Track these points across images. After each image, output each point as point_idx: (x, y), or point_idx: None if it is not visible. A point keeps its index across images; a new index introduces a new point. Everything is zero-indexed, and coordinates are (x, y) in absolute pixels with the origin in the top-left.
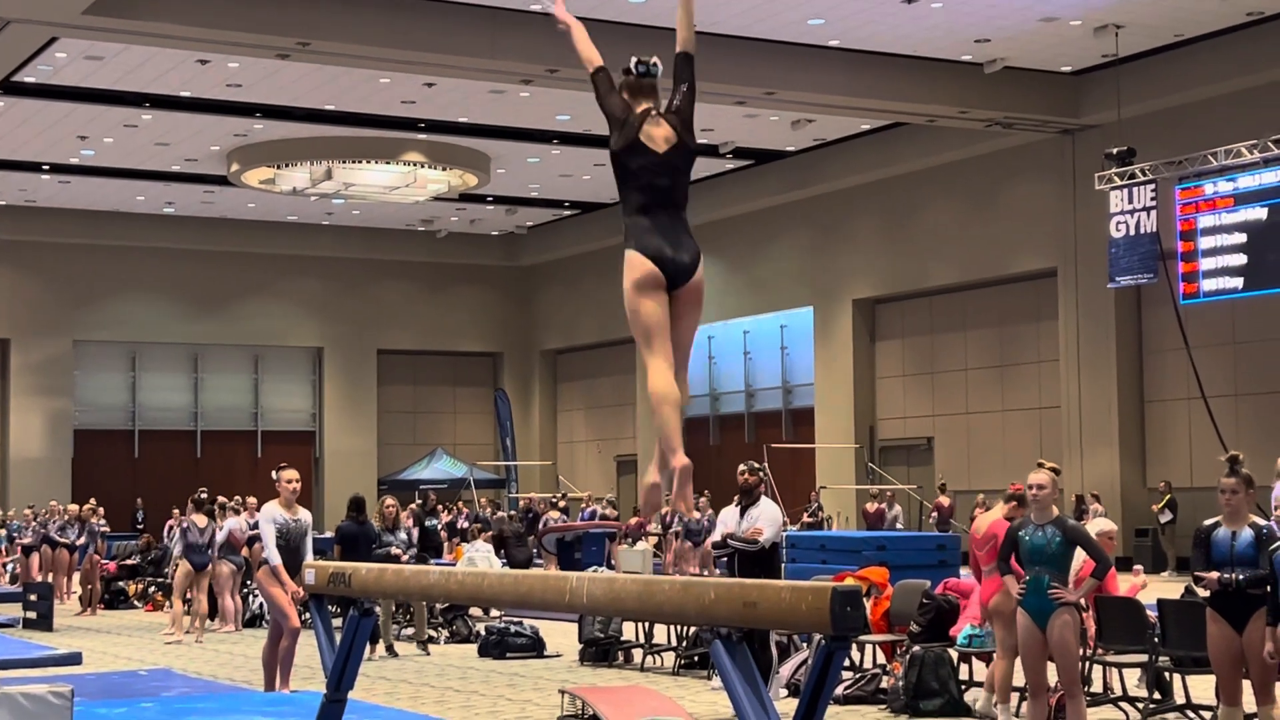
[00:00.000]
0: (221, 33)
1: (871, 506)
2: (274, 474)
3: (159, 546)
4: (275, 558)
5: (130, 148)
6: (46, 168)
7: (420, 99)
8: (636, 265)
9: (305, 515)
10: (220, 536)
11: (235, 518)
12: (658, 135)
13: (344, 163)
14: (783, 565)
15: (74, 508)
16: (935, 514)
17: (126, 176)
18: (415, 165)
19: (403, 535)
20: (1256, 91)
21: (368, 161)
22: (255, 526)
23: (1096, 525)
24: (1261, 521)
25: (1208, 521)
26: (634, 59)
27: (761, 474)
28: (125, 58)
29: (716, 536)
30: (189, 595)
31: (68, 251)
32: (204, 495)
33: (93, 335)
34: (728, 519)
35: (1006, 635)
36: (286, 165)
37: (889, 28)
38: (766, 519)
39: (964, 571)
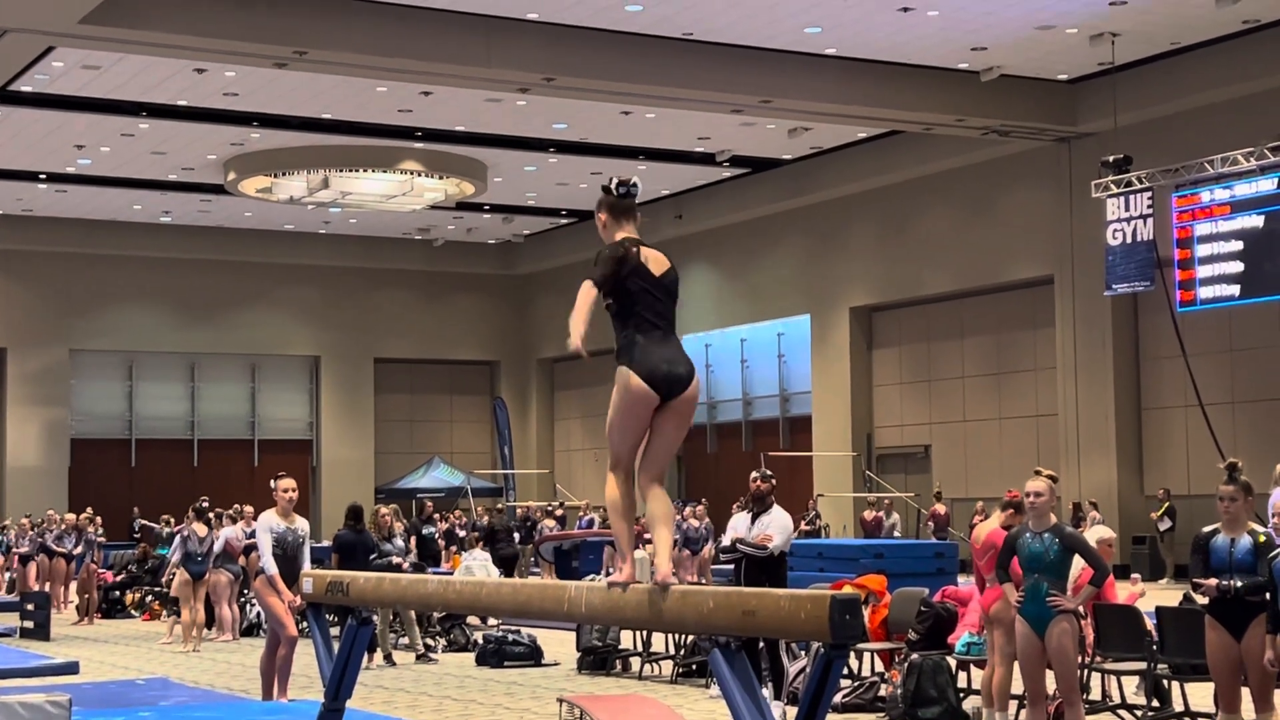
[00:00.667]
0: (218, 42)
1: (869, 514)
2: (271, 483)
3: (155, 555)
4: (271, 567)
5: (127, 157)
6: (43, 177)
7: (417, 108)
8: (633, 387)
9: (302, 524)
10: (217, 545)
11: (231, 526)
12: (653, 259)
13: (341, 171)
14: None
15: (71, 517)
16: (931, 522)
17: (123, 185)
18: (412, 174)
19: (399, 543)
20: (1253, 99)
21: (364, 170)
22: (252, 535)
23: (1094, 533)
24: (1260, 529)
25: (1206, 529)
26: (614, 180)
27: (773, 481)
28: (122, 67)
29: (726, 541)
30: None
31: (64, 261)
32: (205, 504)
33: (90, 344)
34: (738, 525)
35: (1005, 643)
36: (283, 174)
37: (885, 36)
38: (777, 526)
39: (962, 579)
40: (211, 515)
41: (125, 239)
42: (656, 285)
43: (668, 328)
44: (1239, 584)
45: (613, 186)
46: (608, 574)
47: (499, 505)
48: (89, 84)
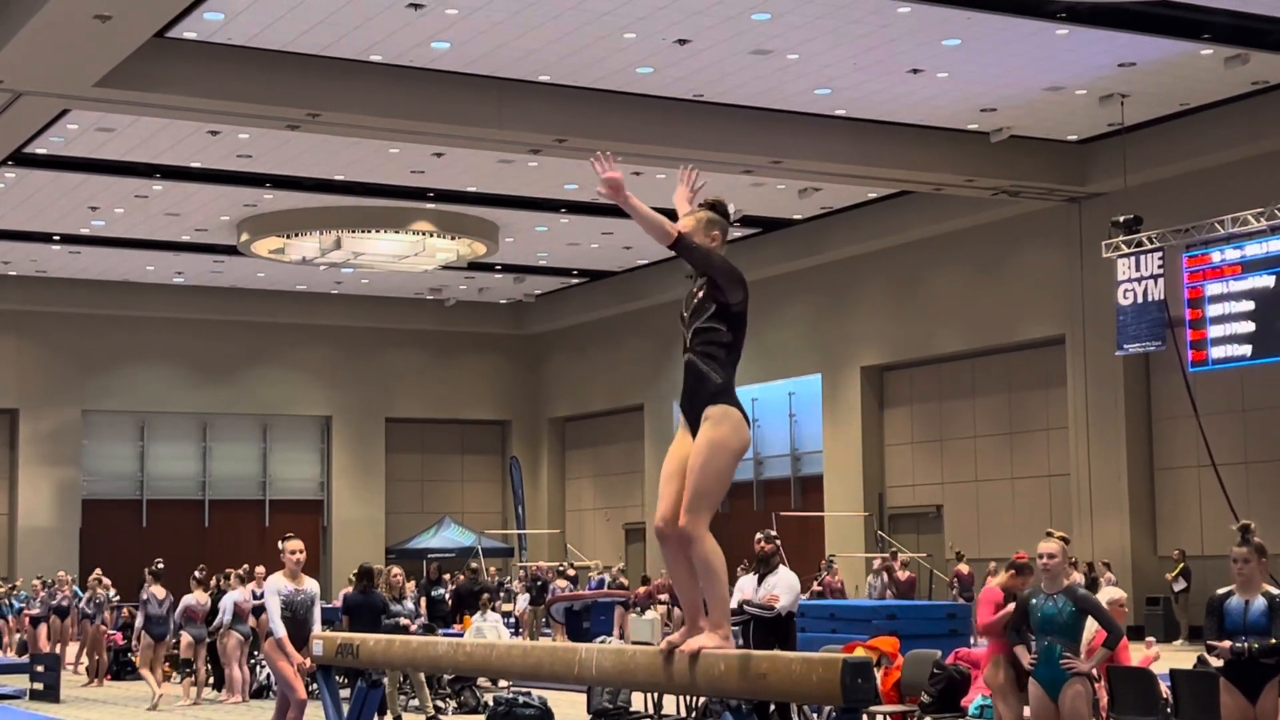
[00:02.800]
0: (232, 104)
1: (903, 574)
2: (279, 544)
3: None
4: (280, 629)
5: (141, 218)
6: (57, 238)
7: (429, 169)
8: (746, 434)
9: (311, 585)
10: (225, 605)
11: (240, 588)
12: None
13: (353, 232)
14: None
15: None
16: (956, 582)
17: (137, 247)
18: (424, 234)
19: (409, 605)
20: (1263, 159)
21: (377, 231)
22: (262, 597)
23: (1106, 594)
24: (1275, 590)
25: (1220, 590)
26: (730, 205)
27: (777, 542)
28: (136, 129)
29: (733, 604)
30: (192, 663)
31: (77, 321)
32: (160, 567)
33: (102, 405)
34: (745, 586)
35: (1005, 709)
36: (296, 235)
37: (895, 97)
38: (784, 587)
39: (974, 640)
40: (221, 577)
41: (138, 300)
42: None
43: None
44: (1255, 645)
45: (731, 212)
46: (622, 636)
47: (472, 564)
48: (103, 146)
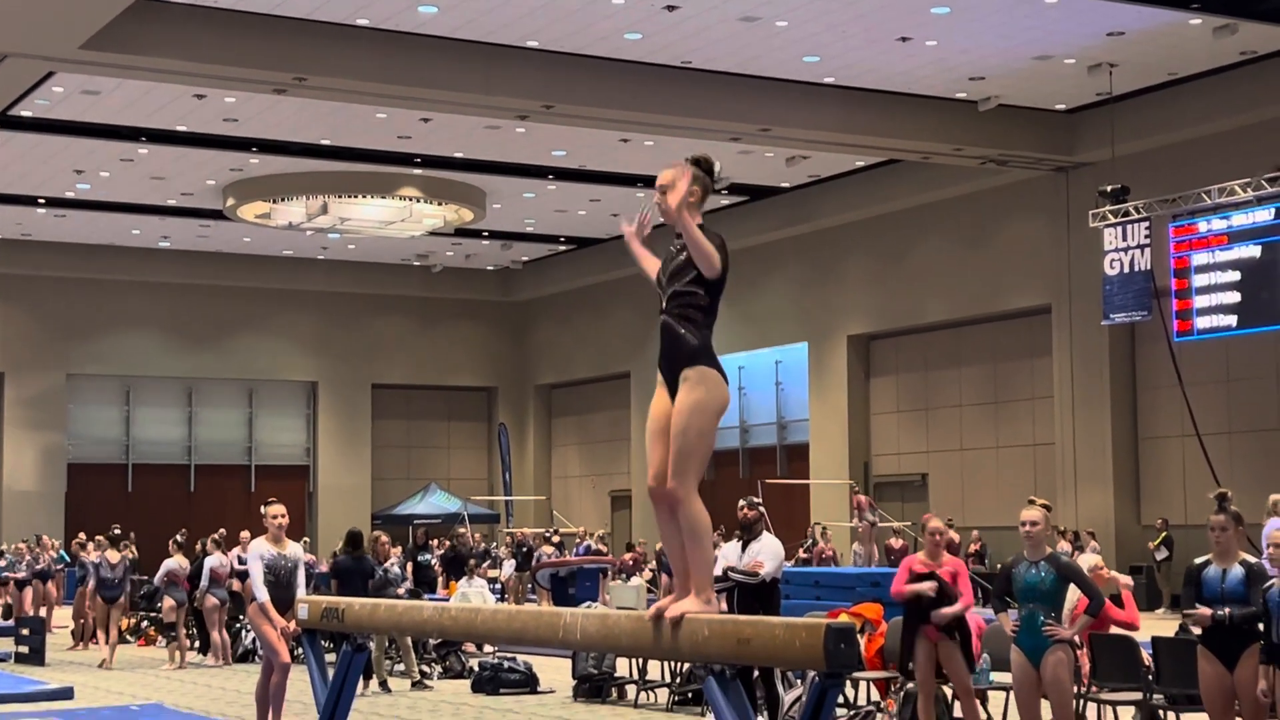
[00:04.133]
0: (218, 68)
1: (896, 542)
2: (261, 509)
3: (148, 581)
4: (263, 594)
5: (126, 182)
6: (42, 201)
7: (416, 134)
8: (726, 393)
9: (295, 549)
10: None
11: (217, 553)
12: None
13: (340, 197)
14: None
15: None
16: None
17: (122, 210)
18: (411, 200)
19: (395, 571)
20: (1250, 130)
21: (363, 196)
22: (244, 561)
23: (1086, 560)
24: (1252, 559)
25: (1198, 560)
26: (719, 166)
27: (761, 509)
28: (122, 92)
29: (718, 570)
30: (176, 627)
31: (63, 285)
32: (117, 533)
33: (87, 369)
34: (729, 553)
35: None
36: (282, 200)
37: (884, 65)
38: (768, 553)
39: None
40: (210, 542)
41: (124, 264)
42: None
43: None
44: (1232, 612)
45: (717, 171)
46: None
47: (462, 530)
48: (88, 109)
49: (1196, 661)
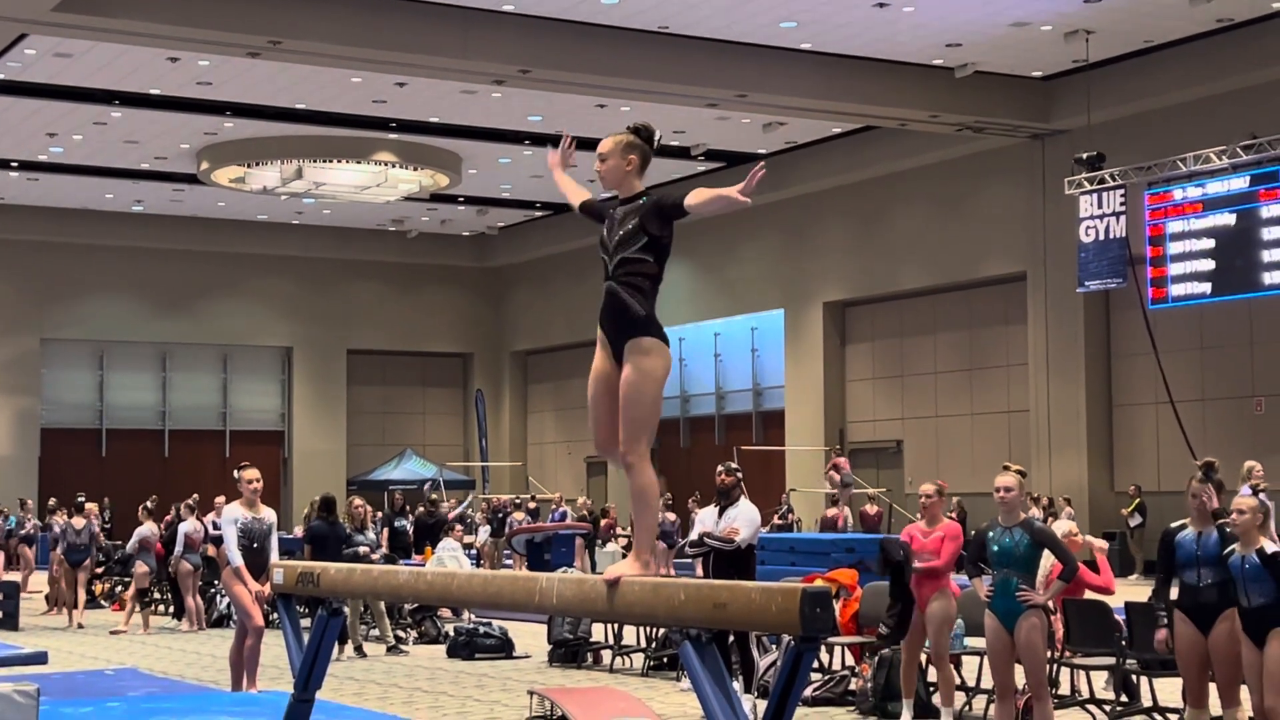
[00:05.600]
0: (192, 30)
1: (872, 509)
2: (235, 474)
3: (121, 547)
4: (237, 558)
5: (99, 145)
6: (15, 165)
7: (391, 98)
8: (669, 360)
9: (269, 514)
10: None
11: (190, 518)
12: None
13: (314, 162)
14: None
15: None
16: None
17: (95, 174)
18: (386, 165)
19: (371, 535)
20: (1226, 98)
21: (338, 161)
22: (219, 527)
23: (1060, 527)
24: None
25: (1174, 524)
26: (655, 130)
27: (739, 475)
28: (95, 55)
29: (694, 535)
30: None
31: (36, 249)
32: (81, 499)
33: (60, 334)
34: (706, 519)
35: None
36: (257, 164)
37: (861, 31)
38: (744, 519)
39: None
40: (183, 507)
41: (97, 228)
42: None
43: None
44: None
45: (657, 137)
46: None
47: (433, 495)
48: (61, 72)
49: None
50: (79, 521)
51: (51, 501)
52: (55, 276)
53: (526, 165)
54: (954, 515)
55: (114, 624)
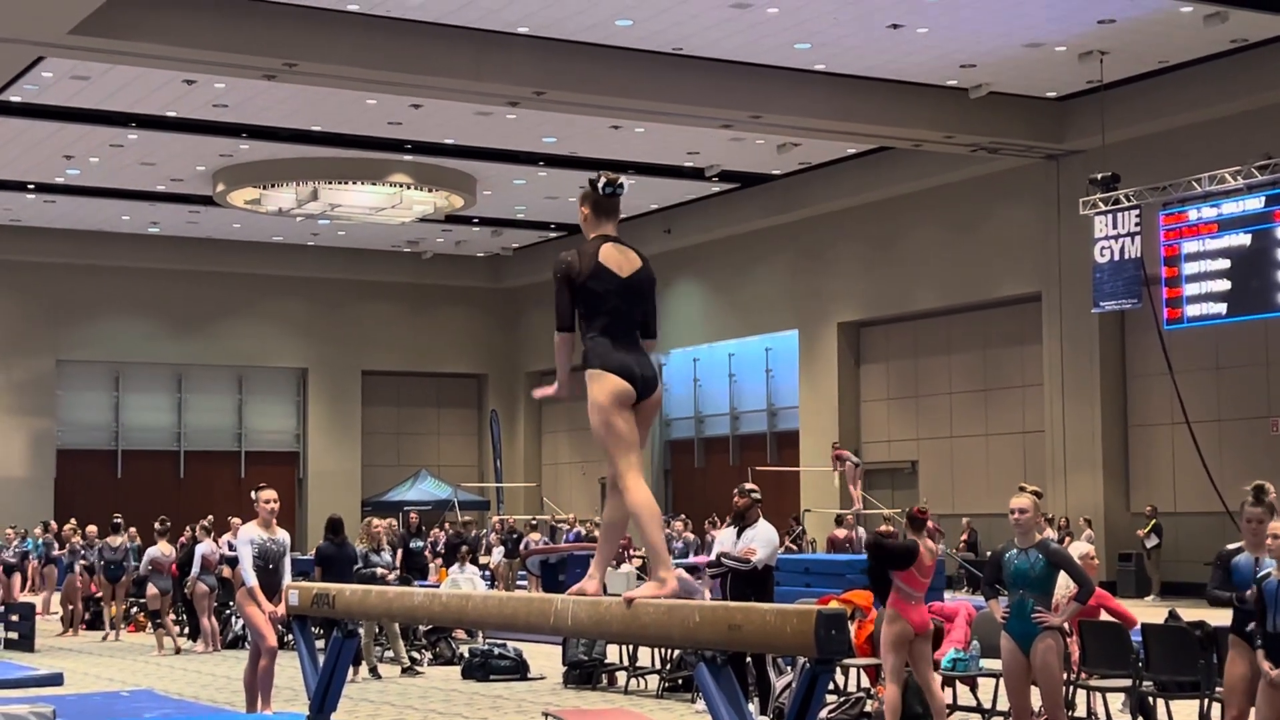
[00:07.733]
0: (208, 53)
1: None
2: (252, 494)
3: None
4: (251, 579)
5: (116, 167)
6: (32, 187)
7: (406, 120)
8: (611, 382)
9: (283, 535)
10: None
11: (206, 540)
12: (620, 260)
13: (330, 183)
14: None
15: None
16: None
17: (112, 196)
18: (401, 186)
19: (386, 557)
20: (1240, 118)
21: (353, 182)
22: (234, 547)
23: (1077, 549)
24: None
25: (1230, 546)
26: (602, 178)
27: (753, 496)
28: (111, 77)
29: (711, 556)
30: (161, 614)
31: (52, 271)
32: (118, 521)
33: (76, 355)
34: (724, 540)
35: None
36: (272, 186)
37: (875, 53)
38: (762, 540)
39: (949, 595)
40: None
41: (113, 250)
42: (623, 288)
43: (631, 330)
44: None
45: (600, 184)
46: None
47: (463, 519)
48: (78, 94)
49: (1185, 647)
50: (115, 540)
51: (71, 523)
52: (71, 298)
53: (541, 186)
54: (965, 536)
55: (131, 644)
